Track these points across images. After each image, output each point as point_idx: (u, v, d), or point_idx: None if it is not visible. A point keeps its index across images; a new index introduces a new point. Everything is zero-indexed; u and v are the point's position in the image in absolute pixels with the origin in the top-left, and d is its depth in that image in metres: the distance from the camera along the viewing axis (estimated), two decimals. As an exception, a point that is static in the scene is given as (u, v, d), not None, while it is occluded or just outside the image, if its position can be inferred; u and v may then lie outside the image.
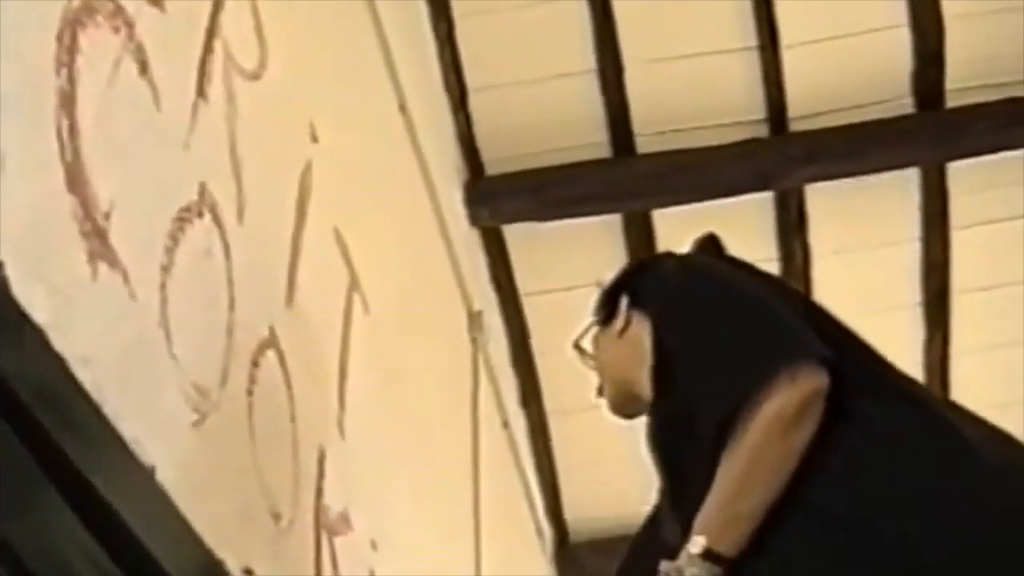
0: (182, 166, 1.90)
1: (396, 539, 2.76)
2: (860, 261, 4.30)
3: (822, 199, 4.23)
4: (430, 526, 3.09)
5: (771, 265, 4.12)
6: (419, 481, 3.08)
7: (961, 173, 4.15)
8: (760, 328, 1.77)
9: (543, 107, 4.20)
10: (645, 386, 1.90)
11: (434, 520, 3.16)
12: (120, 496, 1.53)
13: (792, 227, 4.25)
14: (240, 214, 2.10)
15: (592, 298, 2.15)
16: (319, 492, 2.29)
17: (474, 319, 3.94)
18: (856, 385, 1.71)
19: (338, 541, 2.35)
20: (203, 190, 1.95)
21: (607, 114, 4.17)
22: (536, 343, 4.56)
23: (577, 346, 2.16)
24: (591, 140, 4.23)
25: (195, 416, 1.80)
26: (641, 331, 1.93)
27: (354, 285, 2.74)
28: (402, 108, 3.48)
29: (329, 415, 2.46)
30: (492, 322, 4.35)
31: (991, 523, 1.58)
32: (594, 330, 2.12)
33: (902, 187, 4.20)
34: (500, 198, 4.23)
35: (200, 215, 1.94)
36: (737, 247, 2.08)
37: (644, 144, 4.19)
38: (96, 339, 1.54)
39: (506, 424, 4.31)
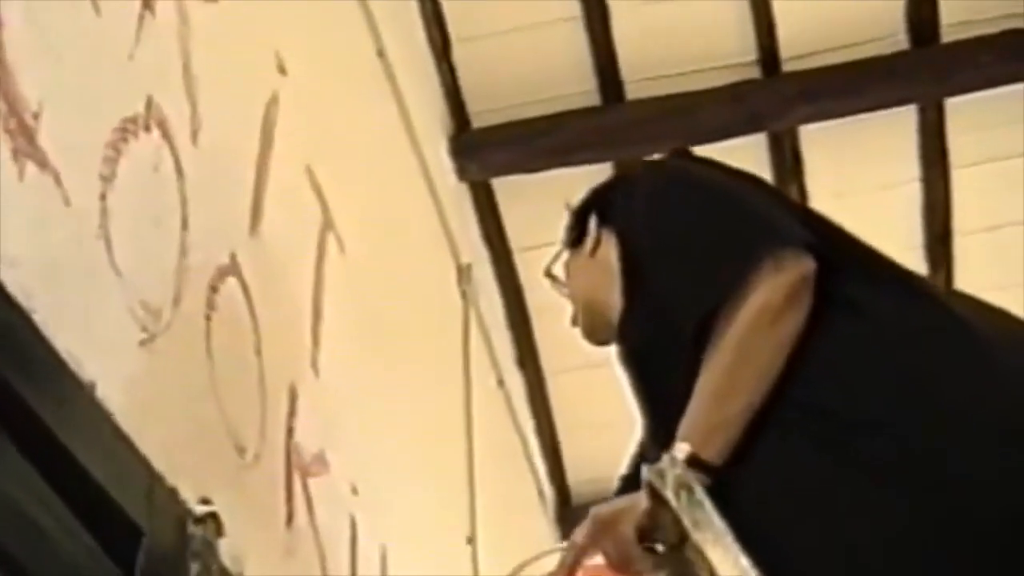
0: (125, 76, 1.80)
1: (380, 486, 2.66)
2: (859, 204, 4.17)
3: (818, 141, 4.12)
4: (418, 477, 2.99)
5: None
6: (405, 430, 2.98)
7: (960, 110, 4.03)
8: (737, 221, 1.65)
9: (529, 56, 4.09)
10: (618, 306, 1.80)
11: (423, 472, 3.06)
12: (54, 411, 1.43)
13: (788, 170, 4.14)
14: (195, 135, 2.01)
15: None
16: (290, 430, 2.19)
17: (463, 272, 3.83)
18: (844, 271, 1.60)
19: (313, 482, 2.25)
20: (150, 103, 1.85)
21: (594, 61, 4.06)
22: (531, 300, 4.45)
23: (548, 273, 2.06)
24: (579, 88, 4.13)
25: (143, 335, 1.70)
26: (611, 248, 1.83)
27: (328, 224, 2.64)
28: (380, 54, 3.37)
29: (301, 352, 2.36)
30: (485, 280, 4.24)
31: (998, 407, 1.47)
32: (565, 255, 2.01)
33: (900, 126, 4.08)
34: (487, 150, 4.12)
35: (147, 129, 1.84)
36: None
37: (633, 90, 4.08)
38: (23, 241, 1.44)
39: (501, 382, 4.20)
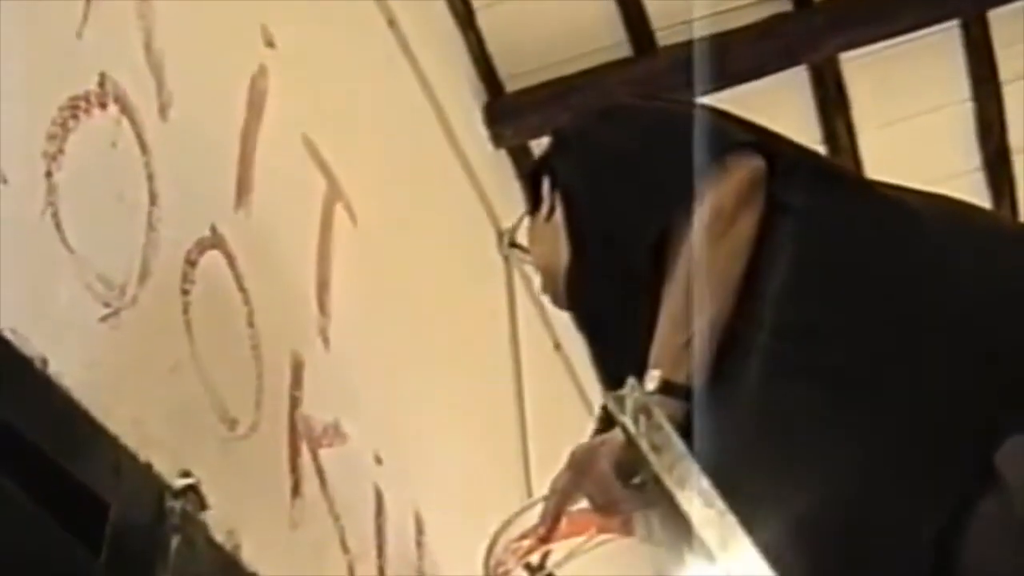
0: (71, 55, 1.78)
1: (412, 455, 2.63)
2: (909, 131, 4.04)
3: (861, 71, 3.98)
4: (461, 444, 2.95)
5: (815, 146, 3.89)
6: (444, 398, 2.94)
7: (1005, 21, 3.87)
8: (673, 135, 1.56)
9: (555, 14, 4.01)
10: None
11: (466, 438, 3.02)
12: (2, 392, 1.41)
13: (832, 104, 4.01)
14: (163, 111, 1.98)
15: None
16: (294, 401, 2.16)
17: (504, 237, 3.78)
18: (791, 175, 1.52)
19: (325, 453, 2.22)
20: (103, 80, 1.83)
21: (622, 12, 3.97)
22: (583, 262, 4.38)
23: (513, 243, 2.00)
24: (610, 41, 4.04)
25: (105, 310, 1.68)
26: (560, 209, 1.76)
27: (335, 195, 2.61)
28: (391, 24, 3.33)
29: (307, 323, 2.33)
30: (532, 245, 4.18)
31: (956, 299, 1.38)
32: (526, 222, 1.94)
33: (943, 46, 3.93)
34: (522, 114, 4.05)
35: (103, 106, 1.81)
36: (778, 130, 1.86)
37: (664, 37, 3.99)
38: (-49, 222, 1.43)
39: (558, 346, 4.14)
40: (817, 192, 1.51)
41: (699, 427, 1.44)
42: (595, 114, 1.76)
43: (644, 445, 1.34)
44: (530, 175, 1.89)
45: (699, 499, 1.30)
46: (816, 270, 1.45)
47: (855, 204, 1.51)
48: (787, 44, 3.81)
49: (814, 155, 1.60)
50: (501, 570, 1.50)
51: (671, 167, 1.54)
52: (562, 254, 1.73)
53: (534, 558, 1.49)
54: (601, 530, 1.48)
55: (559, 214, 1.72)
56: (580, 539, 1.48)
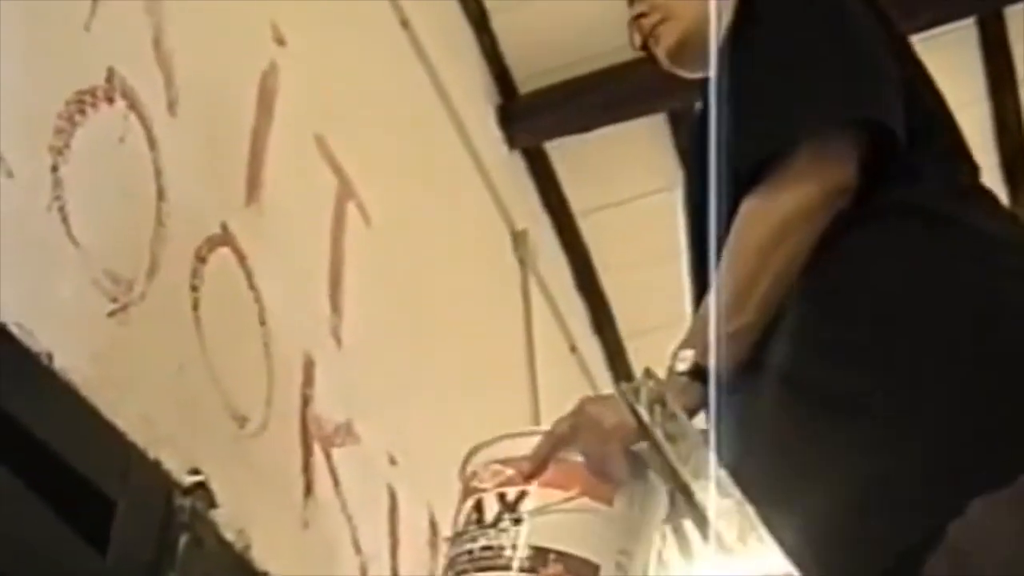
0: (79, 49, 1.76)
1: (426, 456, 2.60)
2: (926, 129, 4.01)
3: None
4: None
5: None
6: (459, 399, 2.91)
7: (1021, 18, 3.83)
8: (831, 64, 1.49)
9: (568, 15, 3.98)
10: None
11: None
12: (8, 387, 1.39)
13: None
14: (172, 106, 1.96)
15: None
16: (306, 399, 2.14)
17: (519, 238, 3.76)
18: (904, 178, 1.47)
19: (337, 452, 2.19)
20: (111, 75, 1.81)
21: (635, 11, 3.94)
22: (599, 263, 4.36)
23: None
24: (622, 41, 3.99)
25: (112, 305, 1.66)
26: None
27: (347, 194, 2.59)
28: (404, 25, 3.31)
29: (318, 322, 2.31)
30: (547, 245, 4.16)
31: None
32: None
33: (960, 44, 3.89)
34: (536, 115, 4.03)
35: (110, 100, 1.80)
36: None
37: (678, 36, 3.96)
38: (-46, 215, 1.41)
39: (574, 348, 4.12)
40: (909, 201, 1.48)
41: (719, 422, 1.41)
42: None
43: (659, 434, 1.32)
44: None
45: (715, 489, 1.27)
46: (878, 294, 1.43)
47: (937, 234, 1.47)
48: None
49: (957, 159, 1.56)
50: (475, 484, 1.42)
51: (807, 97, 1.48)
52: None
53: (510, 492, 1.40)
54: (584, 491, 1.39)
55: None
56: (558, 495, 1.41)
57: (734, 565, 1.24)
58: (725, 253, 1.46)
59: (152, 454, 1.63)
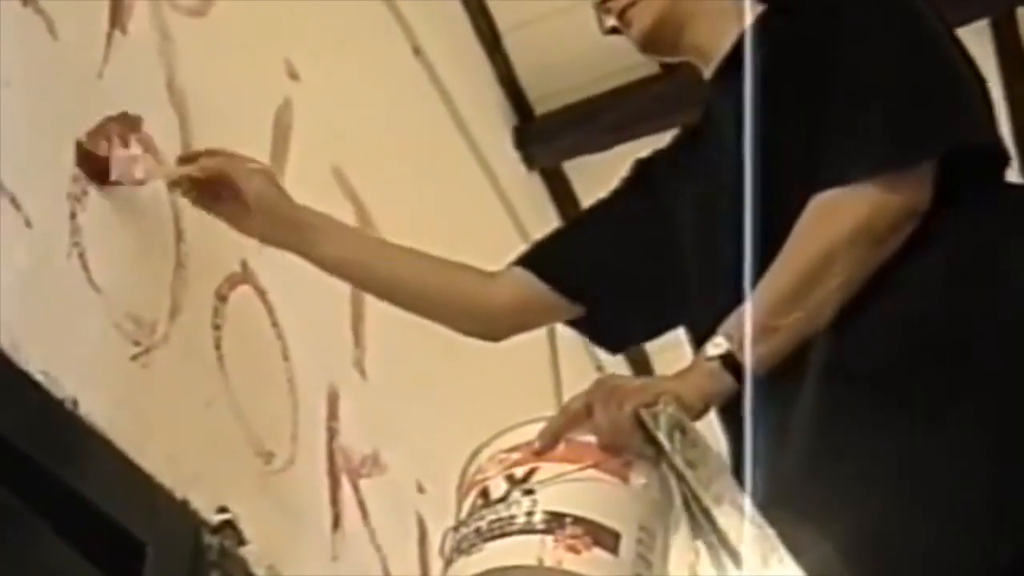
0: (91, 95, 1.78)
1: (452, 483, 2.60)
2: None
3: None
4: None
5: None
6: (486, 424, 2.91)
7: (1035, 18, 3.82)
8: (915, 89, 1.45)
9: (581, 34, 3.95)
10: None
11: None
12: (26, 431, 1.41)
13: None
14: (186, 148, 1.98)
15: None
16: (332, 432, 2.15)
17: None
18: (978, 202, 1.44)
19: (365, 484, 2.20)
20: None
21: (648, 29, 3.95)
22: (622, 282, 4.36)
23: None
24: (636, 59, 4.01)
25: (135, 348, 1.68)
26: None
27: (365, 224, 2.60)
28: (417, 52, 3.33)
29: (342, 354, 2.32)
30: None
31: None
32: None
33: (974, 47, 3.87)
34: (553, 136, 4.04)
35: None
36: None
37: (691, 52, 3.97)
38: (-25, 268, 1.43)
39: (600, 368, 4.11)
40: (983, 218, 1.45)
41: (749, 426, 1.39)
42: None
43: (680, 463, 1.32)
44: None
45: (739, 515, 1.28)
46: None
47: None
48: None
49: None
50: (479, 476, 1.38)
51: (888, 120, 1.44)
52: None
53: (519, 471, 1.34)
54: (597, 465, 1.34)
55: None
56: (571, 466, 1.34)
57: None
58: (789, 244, 1.42)
59: (179, 494, 1.65)
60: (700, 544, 1.43)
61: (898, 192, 1.42)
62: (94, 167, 1.67)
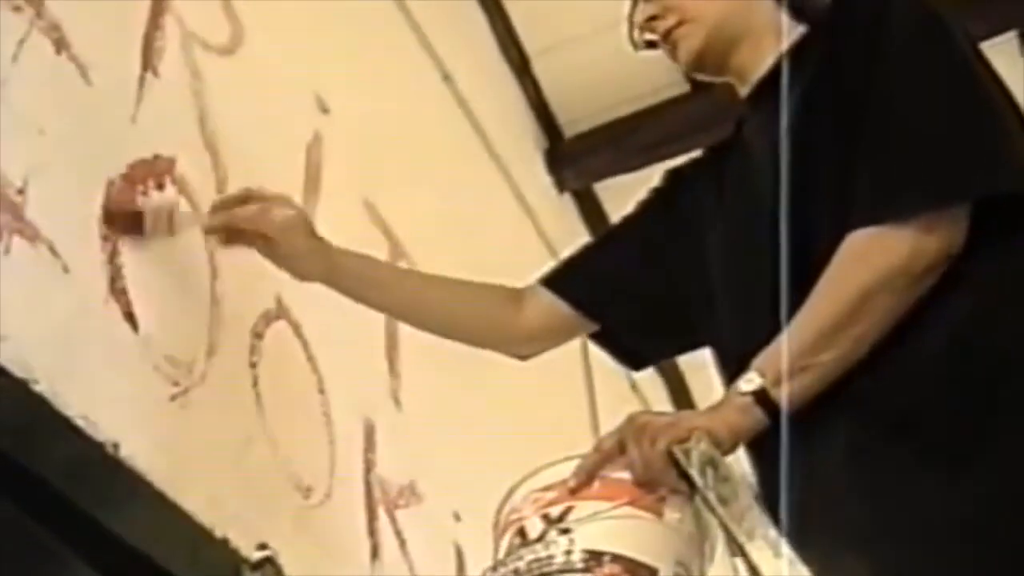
0: (126, 139, 1.81)
1: (489, 511, 2.61)
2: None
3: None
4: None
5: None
6: (522, 451, 2.92)
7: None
8: (956, 129, 1.43)
9: (610, 56, 3.99)
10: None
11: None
12: (68, 477, 1.43)
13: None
14: (220, 186, 2.01)
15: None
16: (369, 464, 2.17)
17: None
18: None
19: (402, 515, 2.22)
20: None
21: (676, 49, 3.97)
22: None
23: None
24: (666, 80, 4.03)
25: (174, 389, 1.70)
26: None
27: (398, 255, 2.62)
28: (446, 79, 3.35)
29: (377, 386, 2.34)
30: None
31: None
32: None
33: (1002, 60, 3.86)
34: (583, 158, 4.07)
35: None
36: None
37: (720, 72, 3.98)
38: (17, 314, 1.45)
39: (634, 387, 4.12)
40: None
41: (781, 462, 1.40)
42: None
43: (712, 499, 1.33)
44: None
45: (771, 550, 1.29)
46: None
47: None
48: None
49: None
50: (514, 516, 1.39)
51: (925, 164, 1.44)
52: (747, 26, 1.66)
53: (554, 510, 1.36)
54: (632, 502, 1.35)
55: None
56: (607, 504, 1.35)
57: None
58: (824, 282, 1.43)
59: (219, 532, 1.67)
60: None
61: (935, 233, 1.41)
62: (125, 223, 1.69)
